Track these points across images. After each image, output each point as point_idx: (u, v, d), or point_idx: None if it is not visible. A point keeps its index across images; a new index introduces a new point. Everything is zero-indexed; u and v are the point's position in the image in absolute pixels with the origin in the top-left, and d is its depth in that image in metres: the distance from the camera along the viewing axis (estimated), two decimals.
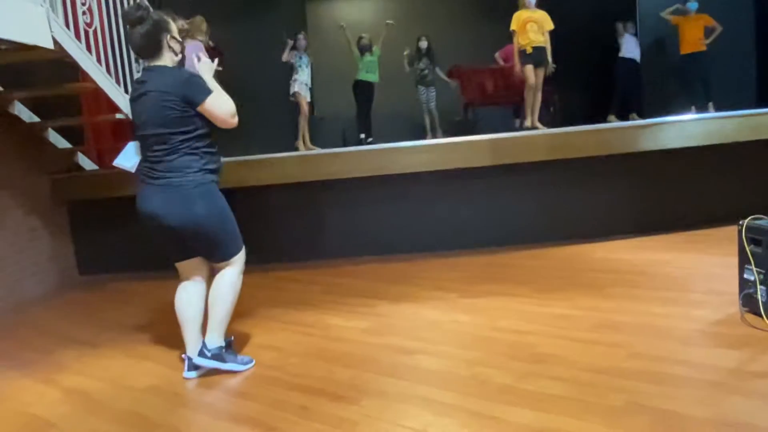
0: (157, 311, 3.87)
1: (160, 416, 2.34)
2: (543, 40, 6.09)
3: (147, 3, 2.59)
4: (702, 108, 6.97)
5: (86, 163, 5.25)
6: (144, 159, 2.58)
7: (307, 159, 5.08)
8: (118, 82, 4.46)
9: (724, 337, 2.63)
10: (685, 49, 7.16)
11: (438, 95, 7.88)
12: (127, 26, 2.53)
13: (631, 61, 7.84)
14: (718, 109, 6.52)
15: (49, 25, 3.61)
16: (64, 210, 5.20)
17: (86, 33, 4.10)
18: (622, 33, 7.85)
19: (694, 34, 7.06)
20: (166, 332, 3.40)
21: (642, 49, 8.11)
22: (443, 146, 4.84)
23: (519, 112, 7.89)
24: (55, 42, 3.67)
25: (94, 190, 5.04)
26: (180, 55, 2.61)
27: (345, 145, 7.91)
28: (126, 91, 4.55)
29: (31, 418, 2.43)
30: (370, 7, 10.07)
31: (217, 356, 2.63)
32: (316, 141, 7.45)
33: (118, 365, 2.98)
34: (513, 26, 6.17)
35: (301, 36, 7.21)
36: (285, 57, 7.09)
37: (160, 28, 2.52)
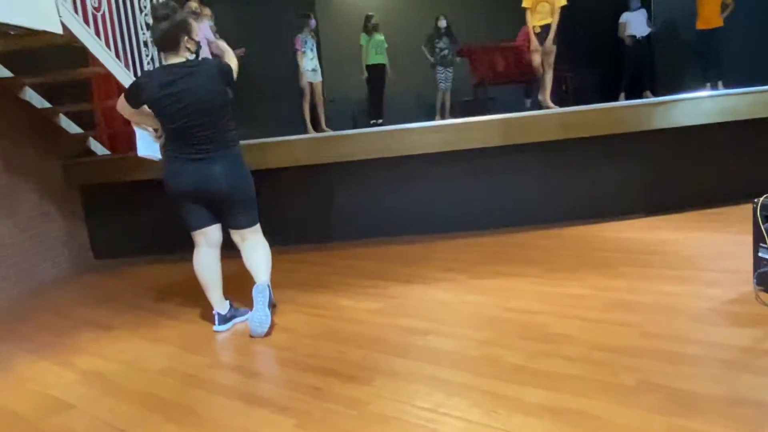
0: (170, 294, 3.91)
1: (175, 397, 2.38)
2: (550, 18, 6.00)
3: (175, 3, 2.83)
4: (713, 85, 6.87)
5: (98, 148, 5.29)
6: (183, 143, 2.83)
7: (316, 141, 5.07)
8: (127, 66, 4.46)
9: (738, 315, 2.61)
10: (702, 24, 6.99)
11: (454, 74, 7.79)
12: (154, 21, 2.82)
13: (639, 38, 7.69)
14: (734, 85, 6.39)
15: (58, 10, 3.60)
16: (76, 194, 5.25)
17: (94, 17, 4.09)
18: (635, 8, 7.70)
19: (712, 9, 6.89)
20: (180, 315, 3.45)
21: (656, 25, 7.97)
22: (454, 126, 4.81)
23: (529, 92, 7.81)
24: (64, 27, 3.67)
25: (106, 174, 5.08)
26: (195, 54, 2.88)
27: (355, 126, 7.88)
28: (135, 75, 4.55)
29: (49, 399, 2.48)
30: None
31: (269, 297, 3.00)
32: (327, 123, 7.42)
33: (134, 347, 3.02)
34: (525, 3, 6.09)
35: (310, 17, 7.15)
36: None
37: (180, 29, 2.79)
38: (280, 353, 2.73)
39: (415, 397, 2.15)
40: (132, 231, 5.24)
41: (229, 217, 3.03)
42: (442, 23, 7.57)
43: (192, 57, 2.87)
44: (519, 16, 6.27)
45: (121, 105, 2.93)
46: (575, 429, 1.83)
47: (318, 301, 3.48)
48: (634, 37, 7.70)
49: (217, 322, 3.09)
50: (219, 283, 3.12)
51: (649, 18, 7.81)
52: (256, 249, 3.06)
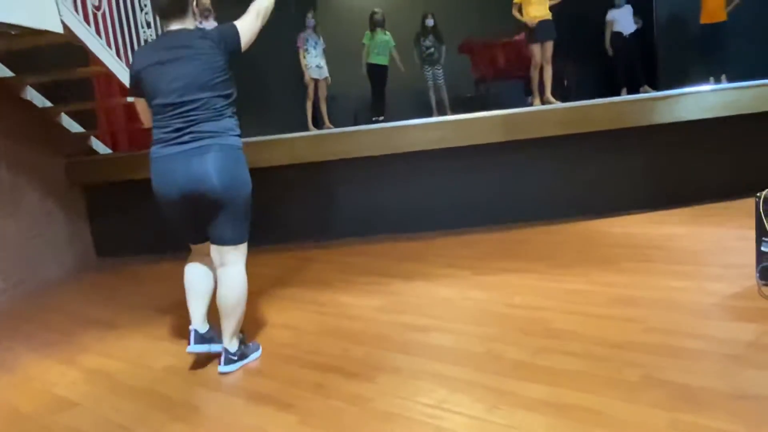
0: (173, 293, 3.90)
1: (179, 394, 2.38)
2: (545, 13, 5.98)
3: None
4: (717, 80, 6.81)
5: (100, 147, 5.30)
6: (172, 124, 2.36)
7: (317, 138, 5.07)
8: (128, 65, 4.46)
9: (741, 310, 2.61)
10: (706, 18, 6.90)
11: (448, 72, 7.73)
12: None
13: (625, 35, 7.63)
14: (736, 79, 6.36)
15: (58, 10, 3.61)
16: (79, 193, 5.25)
17: (95, 16, 4.09)
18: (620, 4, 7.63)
19: (717, 3, 6.79)
20: (183, 313, 3.44)
21: (658, 19, 7.91)
22: (455, 123, 4.80)
23: (530, 89, 7.79)
24: (65, 26, 3.67)
25: (108, 173, 5.08)
26: (202, 22, 2.54)
27: (356, 123, 7.87)
28: None
29: (54, 397, 2.49)
30: None
31: (242, 355, 2.61)
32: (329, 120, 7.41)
33: (137, 346, 3.03)
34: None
35: (309, 15, 7.11)
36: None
37: None
38: (283, 350, 2.73)
39: (417, 394, 2.15)
40: (135, 229, 5.25)
41: (212, 227, 2.48)
42: (429, 22, 7.50)
43: (198, 24, 2.52)
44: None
45: (139, 112, 2.60)
46: (579, 425, 1.83)
47: (320, 298, 3.48)
48: (621, 34, 7.64)
49: (192, 341, 2.58)
50: (206, 297, 2.66)
51: (635, 14, 7.73)
52: (231, 287, 2.52)
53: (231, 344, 2.57)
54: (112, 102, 5.16)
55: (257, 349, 2.72)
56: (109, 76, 4.43)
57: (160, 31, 4.97)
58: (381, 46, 7.36)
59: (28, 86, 4.51)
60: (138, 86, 2.45)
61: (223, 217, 2.44)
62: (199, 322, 2.64)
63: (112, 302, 3.94)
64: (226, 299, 2.52)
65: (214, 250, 2.53)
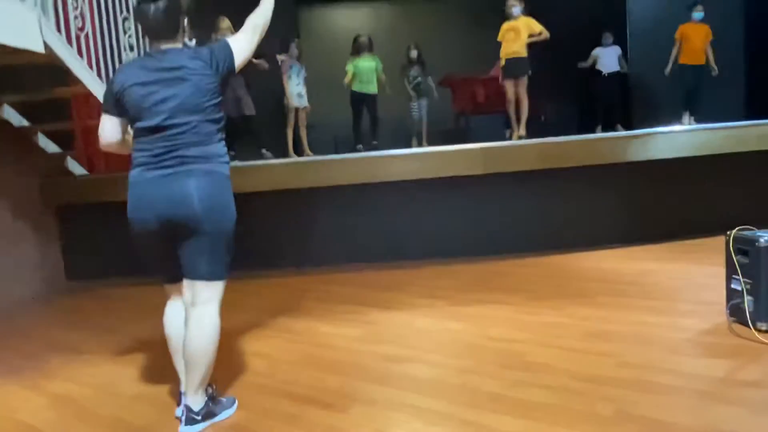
0: (144, 317, 3.84)
1: (147, 423, 2.32)
2: (518, 49, 6.14)
3: None
4: (690, 119, 6.95)
5: (76, 168, 5.22)
6: (155, 148, 2.17)
7: (297, 166, 5.08)
8: None
9: (713, 346, 2.65)
10: (686, 59, 6.91)
11: (431, 104, 7.83)
12: (143, 1, 2.19)
13: (605, 74, 7.88)
14: (707, 120, 6.54)
15: (41, 29, 3.59)
16: (52, 214, 5.16)
17: (77, 37, 4.08)
18: (607, 44, 7.89)
19: (697, 44, 6.83)
20: (154, 338, 3.37)
21: (631, 59, 8.17)
22: (435, 155, 4.86)
23: (509, 122, 7.94)
24: (46, 46, 3.65)
25: (83, 194, 5.01)
26: (192, 40, 2.43)
27: (337, 152, 7.90)
28: None
29: (17, 423, 2.41)
30: (360, 14, 10.11)
31: (208, 414, 2.27)
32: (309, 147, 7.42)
33: (106, 371, 2.95)
34: (498, 37, 6.28)
35: (293, 44, 7.13)
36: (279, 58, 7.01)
37: (179, 8, 2.24)
38: (257, 380, 2.69)
39: (392, 426, 2.13)
40: (107, 252, 5.14)
41: (186, 258, 2.21)
42: (413, 53, 7.53)
43: (189, 43, 2.34)
44: (495, 46, 6.43)
45: (101, 127, 2.29)
46: None
47: (296, 327, 3.44)
48: (600, 72, 7.87)
49: (184, 421, 2.21)
50: None
51: (624, 56, 7.99)
52: (200, 330, 2.20)
53: (195, 400, 2.23)
54: (91, 123, 5.11)
55: (231, 405, 2.39)
56: (88, 97, 4.40)
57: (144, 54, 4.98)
58: (367, 73, 7.14)
59: (5, 104, 4.45)
60: (117, 105, 2.22)
61: (200, 246, 2.18)
62: (193, 389, 2.24)
63: (80, 326, 3.84)
64: (192, 345, 2.19)
65: (187, 286, 2.25)
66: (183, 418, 2.22)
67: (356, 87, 7.21)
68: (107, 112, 2.27)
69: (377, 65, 7.23)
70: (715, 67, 6.90)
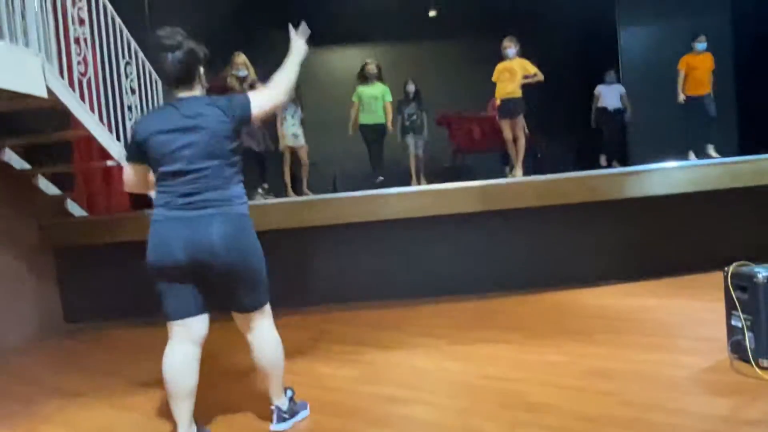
0: (142, 359, 3.80)
1: None
2: (513, 90, 6.26)
3: (183, 31, 2.42)
4: (703, 153, 6.58)
5: (75, 210, 5.25)
6: (177, 190, 2.32)
7: (294, 206, 5.10)
8: (110, 129, 4.51)
9: (714, 384, 2.63)
10: (692, 90, 6.73)
11: (427, 141, 7.76)
12: (161, 51, 2.34)
13: (610, 110, 8.01)
14: (698, 156, 6.55)
15: (44, 75, 3.66)
16: (50, 256, 5.15)
17: (80, 82, 4.16)
18: (609, 82, 8.04)
19: (704, 75, 6.70)
20: (153, 382, 3.34)
21: (627, 96, 8.31)
22: (434, 192, 4.90)
23: (507, 159, 8.01)
24: (49, 91, 3.72)
25: (81, 236, 5.01)
26: (205, 88, 2.52)
27: (335, 190, 7.94)
28: (118, 138, 4.60)
29: None
30: (357, 54, 10.29)
31: (293, 413, 2.63)
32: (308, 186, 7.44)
33: (103, 416, 2.91)
34: (493, 78, 6.40)
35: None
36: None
37: (195, 58, 2.40)
38: (256, 423, 2.66)
39: None
40: (106, 294, 5.12)
41: (229, 298, 2.45)
42: (410, 87, 7.35)
43: (204, 91, 2.49)
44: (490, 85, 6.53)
45: (125, 173, 2.51)
46: None
47: (294, 368, 3.40)
48: (606, 109, 8.02)
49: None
50: (193, 395, 2.43)
51: (627, 94, 8.14)
52: (266, 349, 2.53)
53: (282, 402, 2.60)
54: (91, 165, 5.16)
55: (305, 407, 2.72)
56: (89, 139, 4.46)
57: (146, 98, 5.07)
58: (371, 102, 6.79)
59: (7, 148, 4.51)
60: (139, 153, 2.38)
61: (237, 285, 2.40)
62: (185, 426, 2.42)
63: (77, 369, 3.80)
64: (264, 361, 2.54)
65: (237, 317, 2.51)
66: (274, 417, 2.56)
67: (362, 119, 6.89)
68: (130, 160, 2.46)
69: (384, 94, 6.87)
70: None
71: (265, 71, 2.97)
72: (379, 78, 6.87)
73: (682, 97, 6.79)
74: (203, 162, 2.30)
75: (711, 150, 6.63)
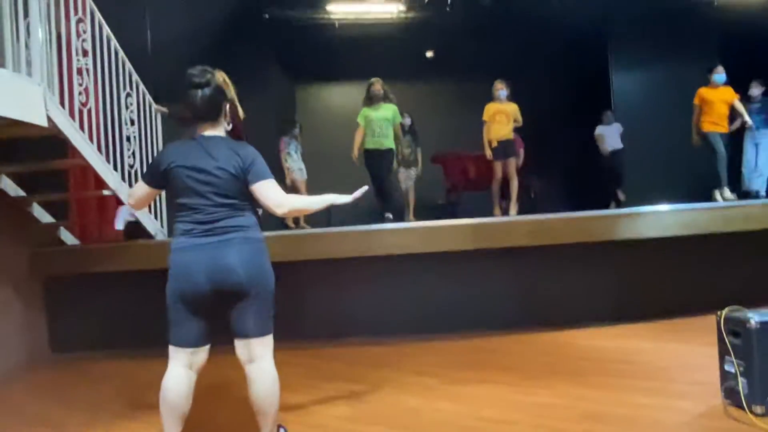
0: (132, 392, 3.74)
1: None
2: (507, 133, 6.41)
3: (211, 68, 2.60)
4: (723, 193, 6.34)
5: (68, 238, 5.21)
6: (196, 218, 2.46)
7: (289, 239, 5.10)
8: (108, 159, 4.52)
9: (708, 430, 2.62)
10: (710, 126, 6.31)
11: (419, 177, 7.75)
12: (191, 89, 2.50)
13: (616, 151, 8.15)
14: (689, 199, 6.55)
15: (45, 104, 3.69)
16: (39, 284, 5.09)
17: (80, 112, 4.19)
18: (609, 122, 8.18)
19: (723, 109, 6.32)
20: (141, 414, 3.28)
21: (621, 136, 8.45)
22: (427, 230, 4.91)
23: (494, 199, 8.05)
24: (49, 120, 3.74)
25: (72, 264, 4.96)
26: (231, 124, 2.67)
27: (330, 224, 7.94)
28: (115, 169, 4.61)
29: None
30: (352, 92, 10.45)
31: None
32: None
33: None
34: (484, 117, 6.52)
35: (296, 129, 7.49)
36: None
37: (222, 94, 2.58)
38: None
39: None
40: (94, 324, 5.05)
41: (236, 321, 2.50)
42: (406, 121, 7.18)
43: (229, 127, 2.65)
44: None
45: (136, 190, 2.69)
46: None
47: (285, 404, 3.35)
48: (615, 151, 8.14)
49: None
50: (183, 417, 2.50)
51: (624, 132, 8.29)
52: (265, 382, 2.53)
53: None
54: (87, 194, 5.15)
55: None
56: (86, 168, 4.46)
57: (145, 129, 5.10)
58: (380, 125, 6.10)
59: (3, 175, 4.50)
60: (158, 177, 2.53)
61: (249, 308, 2.48)
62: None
63: (63, 401, 3.72)
64: (261, 396, 2.53)
65: (241, 345, 2.53)
66: None
67: (368, 144, 6.20)
68: (147, 182, 2.61)
69: (394, 116, 6.21)
70: (748, 119, 6.46)
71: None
72: (386, 98, 6.23)
73: (695, 138, 6.41)
74: (221, 199, 2.46)
75: (727, 192, 6.29)
